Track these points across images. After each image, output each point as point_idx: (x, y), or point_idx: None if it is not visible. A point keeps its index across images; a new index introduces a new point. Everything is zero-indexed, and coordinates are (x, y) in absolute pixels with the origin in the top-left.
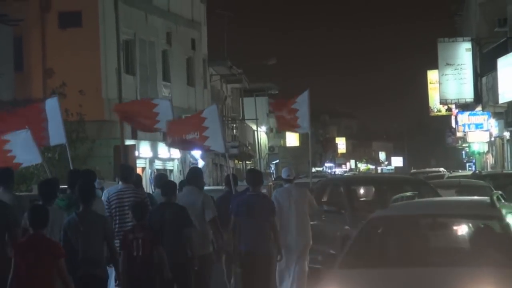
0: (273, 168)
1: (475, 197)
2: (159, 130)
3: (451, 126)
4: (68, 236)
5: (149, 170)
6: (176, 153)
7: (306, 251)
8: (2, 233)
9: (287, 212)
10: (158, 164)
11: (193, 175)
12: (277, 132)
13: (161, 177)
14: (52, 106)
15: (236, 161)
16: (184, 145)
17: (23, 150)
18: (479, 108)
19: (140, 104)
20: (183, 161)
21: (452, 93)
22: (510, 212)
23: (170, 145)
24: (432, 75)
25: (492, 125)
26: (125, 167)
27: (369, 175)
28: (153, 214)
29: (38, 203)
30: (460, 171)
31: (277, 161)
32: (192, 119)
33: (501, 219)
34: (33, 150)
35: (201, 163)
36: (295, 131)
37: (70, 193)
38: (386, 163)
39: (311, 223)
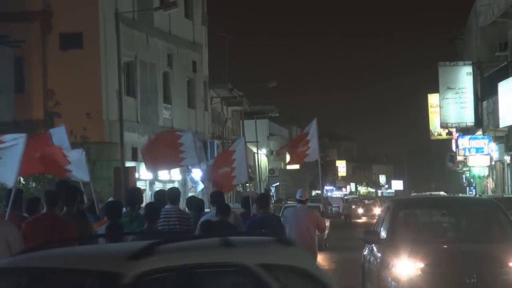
0: (273, 191)
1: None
2: (185, 165)
3: (452, 150)
4: None
5: (149, 192)
6: (176, 175)
7: None
8: None
9: (293, 230)
10: (158, 186)
11: (220, 197)
12: (277, 155)
13: (191, 199)
14: (59, 134)
15: None
16: (216, 180)
17: (78, 167)
18: (479, 132)
19: (164, 135)
20: (183, 183)
21: (453, 117)
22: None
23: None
24: (433, 99)
25: (493, 149)
26: (172, 190)
27: (431, 196)
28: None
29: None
30: (460, 195)
31: (277, 183)
32: (223, 154)
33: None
34: (85, 169)
35: (201, 186)
36: (303, 162)
37: (130, 210)
38: (386, 186)
39: None
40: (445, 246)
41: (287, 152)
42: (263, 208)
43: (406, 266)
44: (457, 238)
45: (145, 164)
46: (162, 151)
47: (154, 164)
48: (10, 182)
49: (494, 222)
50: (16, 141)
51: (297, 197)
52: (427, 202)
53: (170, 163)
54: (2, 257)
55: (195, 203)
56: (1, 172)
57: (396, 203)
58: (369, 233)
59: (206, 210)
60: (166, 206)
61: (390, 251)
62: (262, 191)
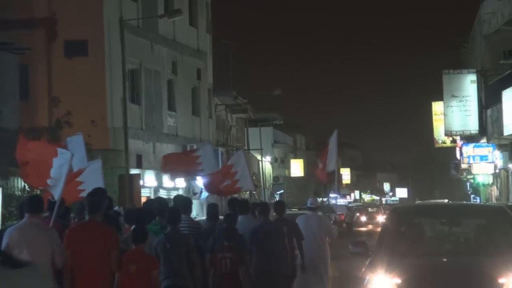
0: (277, 198)
1: None
2: (202, 174)
3: (456, 158)
4: (157, 253)
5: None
6: (180, 183)
7: (325, 270)
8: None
9: (307, 237)
10: (162, 194)
11: (247, 206)
12: (281, 162)
13: (213, 207)
14: (76, 143)
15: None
16: (220, 192)
17: (92, 180)
18: (484, 140)
19: (184, 154)
20: (187, 191)
21: (457, 125)
22: None
23: (211, 191)
24: (437, 107)
25: (497, 157)
26: (185, 199)
27: (434, 203)
28: (217, 239)
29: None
30: (464, 202)
31: (282, 191)
32: (222, 169)
33: None
34: (100, 179)
35: (205, 193)
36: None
37: (160, 219)
38: (391, 194)
39: None
40: (432, 260)
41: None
42: (262, 215)
43: (381, 282)
44: (452, 251)
45: (164, 172)
46: (179, 162)
47: (172, 172)
48: (56, 195)
49: (499, 232)
50: (64, 156)
51: (308, 205)
52: (428, 210)
53: (187, 173)
54: (46, 264)
55: (211, 212)
56: (52, 186)
57: (392, 212)
58: (357, 244)
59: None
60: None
61: (369, 265)
62: (266, 198)
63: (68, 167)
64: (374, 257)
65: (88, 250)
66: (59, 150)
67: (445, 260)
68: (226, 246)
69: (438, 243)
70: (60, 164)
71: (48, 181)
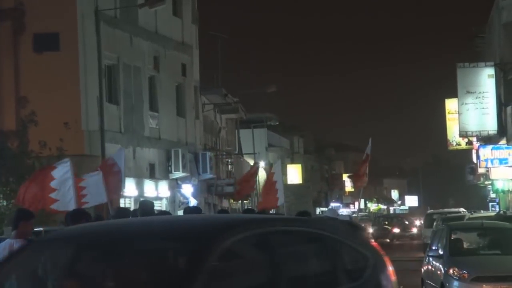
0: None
1: None
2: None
3: (472, 162)
4: None
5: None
6: (164, 191)
7: None
8: None
9: None
10: None
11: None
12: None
13: (249, 211)
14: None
15: (232, 200)
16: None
17: (94, 191)
18: (503, 141)
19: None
20: (172, 200)
21: (473, 125)
22: None
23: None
24: (451, 105)
25: None
26: (223, 211)
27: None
28: None
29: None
30: (482, 211)
31: None
32: (268, 181)
33: None
34: (102, 191)
35: (193, 202)
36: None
37: None
38: (399, 202)
39: None
40: None
41: (353, 178)
42: None
43: None
44: None
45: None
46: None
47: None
48: (71, 207)
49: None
50: (64, 168)
51: (330, 216)
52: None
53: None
54: None
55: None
56: (60, 201)
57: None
58: None
59: None
60: None
61: None
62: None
63: (71, 175)
64: None
65: None
66: (58, 163)
67: None
68: None
69: None
70: (61, 174)
71: (54, 206)
